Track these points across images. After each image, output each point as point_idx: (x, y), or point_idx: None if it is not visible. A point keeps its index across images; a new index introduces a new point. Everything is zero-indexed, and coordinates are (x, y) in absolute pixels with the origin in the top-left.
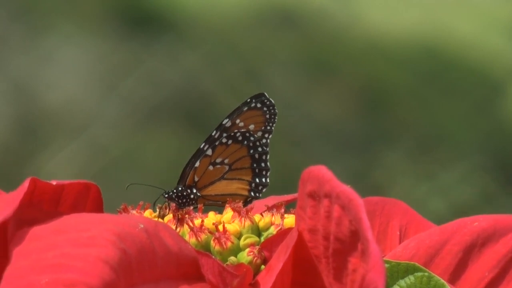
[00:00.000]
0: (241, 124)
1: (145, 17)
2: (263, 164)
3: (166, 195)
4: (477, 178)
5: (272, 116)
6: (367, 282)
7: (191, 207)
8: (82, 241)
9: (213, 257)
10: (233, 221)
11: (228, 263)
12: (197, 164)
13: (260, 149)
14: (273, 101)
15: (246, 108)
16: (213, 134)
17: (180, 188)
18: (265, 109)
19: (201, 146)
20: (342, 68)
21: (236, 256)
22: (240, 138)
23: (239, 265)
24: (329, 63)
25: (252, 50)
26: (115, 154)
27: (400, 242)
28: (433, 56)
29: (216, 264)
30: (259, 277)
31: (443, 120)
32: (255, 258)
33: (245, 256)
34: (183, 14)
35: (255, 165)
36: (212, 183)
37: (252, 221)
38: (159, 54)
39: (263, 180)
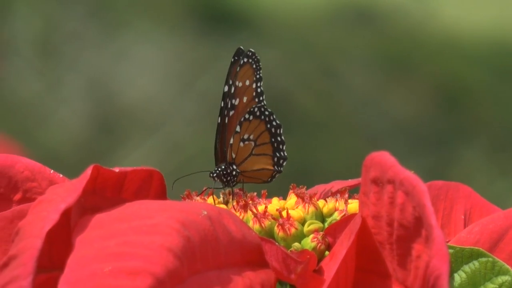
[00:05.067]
0: (240, 84)
1: (221, 15)
2: (279, 138)
3: (214, 174)
4: None
5: (257, 64)
6: (431, 269)
7: (234, 184)
8: (145, 229)
9: (277, 243)
10: (296, 207)
11: (292, 249)
12: (231, 141)
13: (274, 123)
14: (252, 50)
15: (238, 68)
16: (222, 105)
17: (223, 166)
18: (250, 60)
19: (218, 121)
20: (418, 65)
21: (300, 242)
22: (258, 113)
23: (303, 252)
24: (405, 61)
25: (328, 48)
26: (192, 151)
27: (464, 226)
28: (510, 53)
29: (280, 251)
30: (323, 263)
31: None
32: (319, 244)
33: (309, 243)
34: (259, 12)
35: (273, 139)
36: (245, 159)
37: (316, 207)
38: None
39: (282, 153)
